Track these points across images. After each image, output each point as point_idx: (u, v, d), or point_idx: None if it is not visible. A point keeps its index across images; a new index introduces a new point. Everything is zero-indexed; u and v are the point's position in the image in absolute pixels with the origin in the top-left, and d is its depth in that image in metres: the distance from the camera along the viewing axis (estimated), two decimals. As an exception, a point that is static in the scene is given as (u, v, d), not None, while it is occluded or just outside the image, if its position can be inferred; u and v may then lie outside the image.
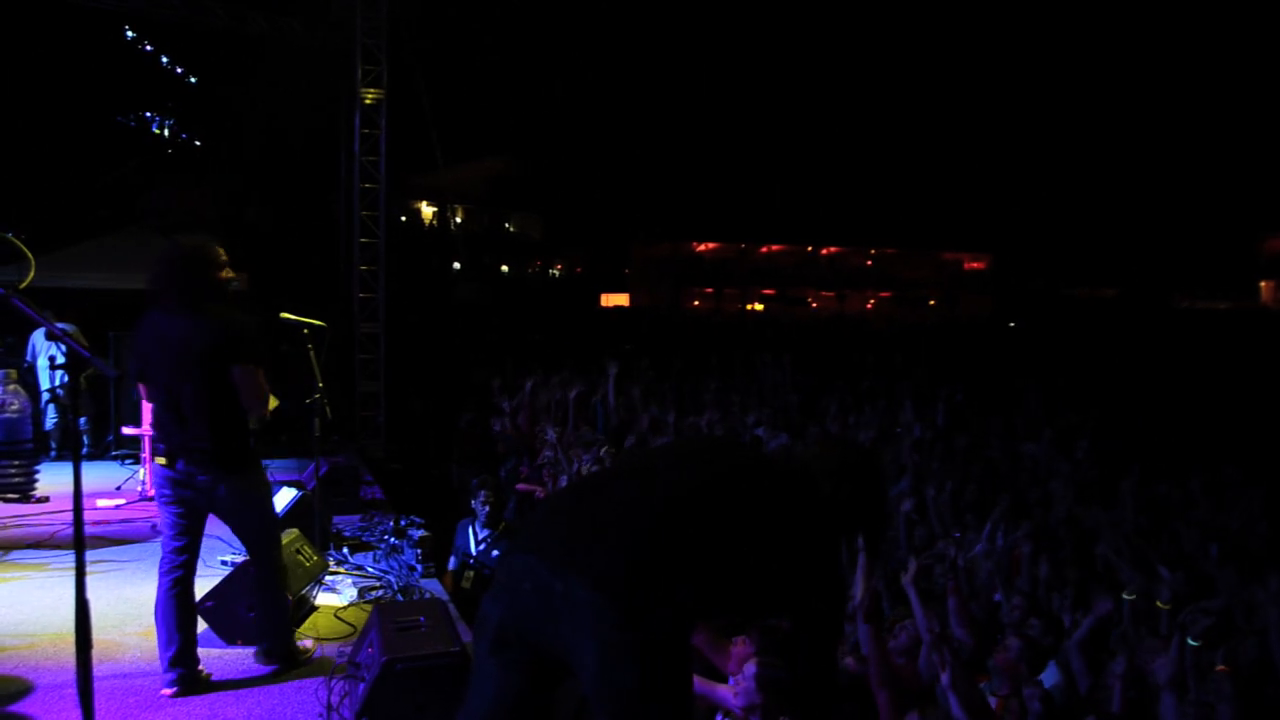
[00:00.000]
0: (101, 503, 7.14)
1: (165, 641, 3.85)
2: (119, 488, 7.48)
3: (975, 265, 51.03)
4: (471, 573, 6.09)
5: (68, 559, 3.25)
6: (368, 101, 11.67)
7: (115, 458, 8.83)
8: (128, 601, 4.91)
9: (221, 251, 3.93)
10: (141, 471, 7.47)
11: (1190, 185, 46.63)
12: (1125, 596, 4.51)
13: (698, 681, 3.41)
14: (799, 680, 2.36)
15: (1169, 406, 12.07)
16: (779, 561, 2.27)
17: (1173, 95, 49.31)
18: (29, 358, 9.13)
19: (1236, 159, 45.89)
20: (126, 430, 7.93)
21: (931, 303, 48.26)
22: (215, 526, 4.10)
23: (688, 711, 2.17)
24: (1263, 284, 45.42)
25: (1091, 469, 7.75)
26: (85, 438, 9.20)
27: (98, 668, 2.84)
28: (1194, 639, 3.78)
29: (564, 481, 6.90)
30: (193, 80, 36.53)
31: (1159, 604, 4.41)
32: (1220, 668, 3.65)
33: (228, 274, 3.92)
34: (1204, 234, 44.68)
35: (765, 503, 2.28)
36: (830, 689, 2.48)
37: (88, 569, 2.60)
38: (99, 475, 7.93)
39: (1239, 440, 9.54)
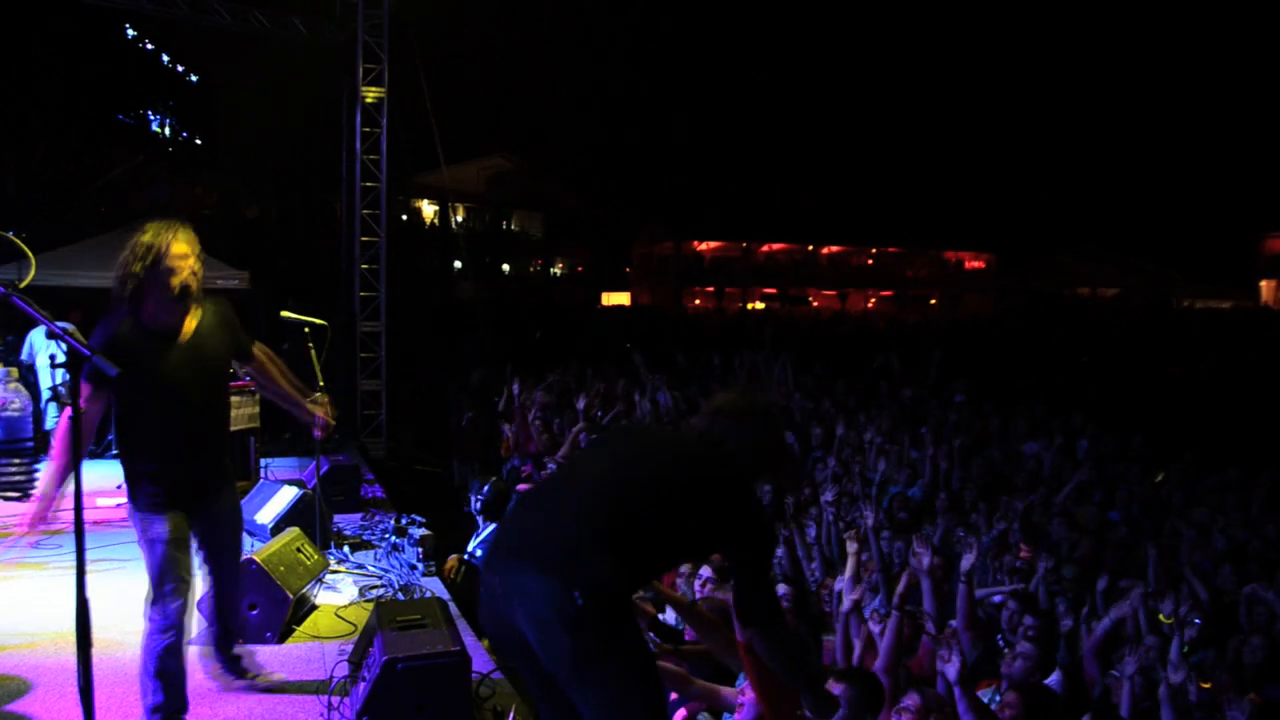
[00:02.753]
0: (102, 501, 7.13)
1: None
2: (120, 486, 7.46)
3: (976, 265, 50.93)
4: (463, 567, 6.11)
5: (68, 557, 3.24)
6: (369, 100, 11.66)
7: (116, 456, 8.80)
8: (129, 600, 4.88)
9: (180, 242, 3.35)
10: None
11: (1190, 185, 46.64)
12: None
13: (702, 683, 3.43)
14: (744, 602, 2.58)
15: (1170, 406, 12.05)
16: (703, 524, 2.51)
17: (1173, 95, 49.34)
18: (25, 357, 9.09)
19: (1236, 158, 45.91)
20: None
21: (933, 302, 48.18)
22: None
23: (641, 671, 2.35)
24: (1263, 283, 45.32)
25: (1092, 469, 7.73)
26: (86, 436, 9.16)
27: (98, 666, 2.83)
28: (1184, 644, 3.77)
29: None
30: (193, 78, 36.54)
31: (1162, 618, 4.38)
32: (1252, 696, 3.60)
33: (185, 278, 3.37)
34: (1204, 233, 44.65)
35: (684, 484, 2.51)
36: (775, 605, 2.68)
37: (88, 567, 2.60)
38: (99, 474, 7.90)
39: (1241, 440, 9.52)
